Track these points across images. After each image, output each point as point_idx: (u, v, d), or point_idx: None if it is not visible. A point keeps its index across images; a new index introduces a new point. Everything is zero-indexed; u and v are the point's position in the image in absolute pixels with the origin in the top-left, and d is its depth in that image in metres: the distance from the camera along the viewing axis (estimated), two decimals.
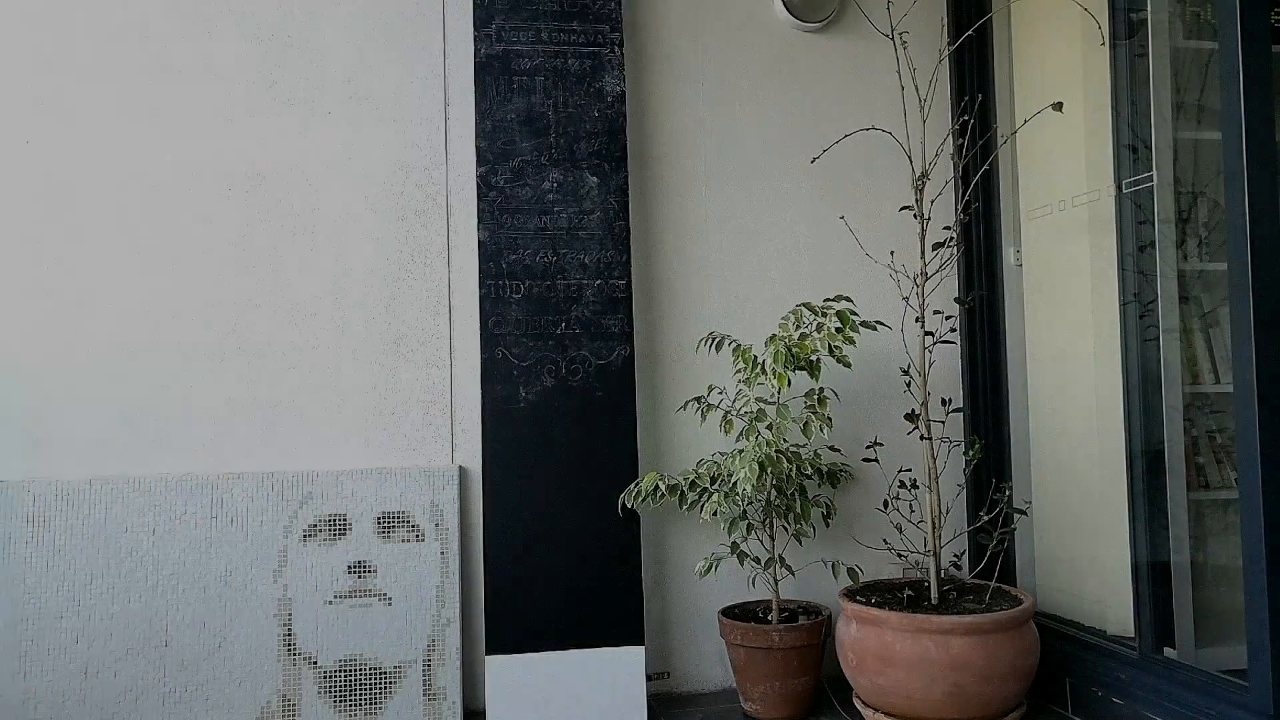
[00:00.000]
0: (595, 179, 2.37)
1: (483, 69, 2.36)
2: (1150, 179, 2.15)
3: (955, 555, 2.40)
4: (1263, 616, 1.69)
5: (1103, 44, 2.09)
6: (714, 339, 2.30)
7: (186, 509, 2.21)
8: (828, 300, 2.22)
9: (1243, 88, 1.72)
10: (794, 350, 2.17)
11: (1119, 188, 2.22)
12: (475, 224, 2.36)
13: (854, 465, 2.41)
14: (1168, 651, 2.04)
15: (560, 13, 2.39)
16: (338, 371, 2.33)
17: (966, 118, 2.28)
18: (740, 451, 2.18)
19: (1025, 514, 2.41)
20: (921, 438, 2.20)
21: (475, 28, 2.36)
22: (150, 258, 2.29)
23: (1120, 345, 2.20)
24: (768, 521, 2.30)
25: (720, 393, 2.33)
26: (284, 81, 2.36)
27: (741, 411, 2.28)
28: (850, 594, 2.20)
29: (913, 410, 2.24)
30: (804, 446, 2.28)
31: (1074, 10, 2.12)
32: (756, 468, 2.09)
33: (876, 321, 2.22)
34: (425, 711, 2.22)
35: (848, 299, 2.22)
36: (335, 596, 2.25)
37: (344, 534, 2.26)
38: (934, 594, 2.14)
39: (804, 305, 2.25)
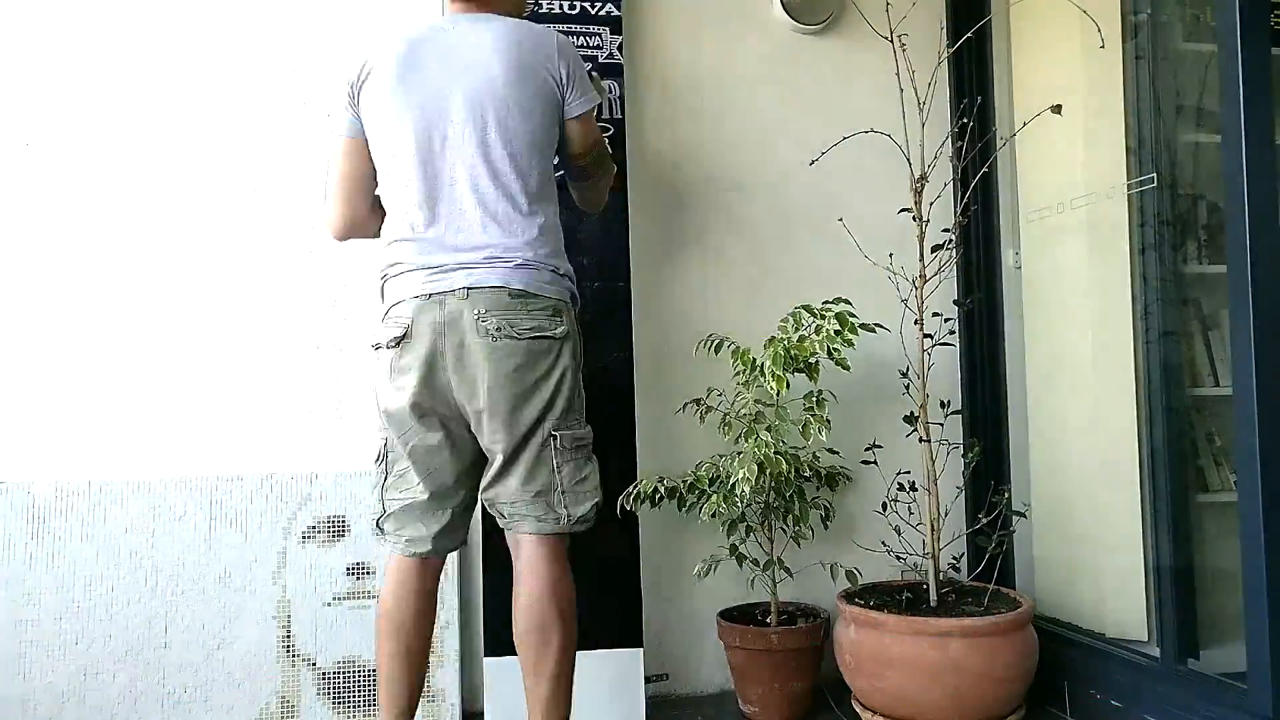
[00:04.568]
0: None
1: None
2: (1150, 181, 2.15)
3: (954, 558, 2.40)
4: (1261, 619, 1.68)
5: (1102, 46, 2.09)
6: (712, 341, 2.30)
7: (186, 510, 2.21)
8: (826, 303, 2.22)
9: (1242, 90, 1.72)
10: (792, 353, 2.17)
11: (1119, 190, 2.22)
12: None
13: (853, 467, 2.41)
14: (1166, 654, 2.04)
15: (559, 15, 2.39)
16: (336, 373, 2.33)
17: (966, 120, 2.28)
18: (739, 453, 2.18)
19: (1024, 516, 2.40)
20: (920, 440, 2.20)
21: None
22: (150, 259, 2.29)
23: (1122, 347, 2.20)
24: (766, 524, 2.29)
25: (719, 395, 2.33)
26: (283, 83, 2.36)
27: (740, 414, 2.27)
28: (849, 596, 2.20)
29: (911, 413, 2.23)
30: (802, 449, 2.27)
31: (1073, 12, 2.11)
32: (755, 468, 2.08)
33: (875, 324, 2.21)
34: (424, 713, 2.22)
35: (846, 301, 2.22)
36: (334, 598, 2.25)
37: (343, 535, 2.26)
38: (933, 596, 2.14)
39: (802, 307, 2.25)
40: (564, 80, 1.78)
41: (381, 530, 1.82)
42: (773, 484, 2.16)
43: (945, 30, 2.50)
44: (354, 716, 2.22)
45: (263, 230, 2.34)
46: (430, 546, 1.78)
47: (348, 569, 2.26)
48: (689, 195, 2.57)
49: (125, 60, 2.30)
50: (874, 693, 2.05)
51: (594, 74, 2.12)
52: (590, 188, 2.01)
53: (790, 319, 2.24)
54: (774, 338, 2.21)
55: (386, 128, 1.74)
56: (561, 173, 1.97)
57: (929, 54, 2.31)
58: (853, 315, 2.18)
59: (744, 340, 2.30)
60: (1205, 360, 2.20)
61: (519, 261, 1.70)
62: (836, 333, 2.15)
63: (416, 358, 1.69)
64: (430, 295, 1.68)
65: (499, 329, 1.66)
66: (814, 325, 2.21)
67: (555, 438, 1.74)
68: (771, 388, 2.16)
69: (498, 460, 1.75)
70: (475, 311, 1.66)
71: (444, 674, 2.24)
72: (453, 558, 2.28)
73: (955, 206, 2.33)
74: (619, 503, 2.24)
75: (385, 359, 1.73)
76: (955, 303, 2.56)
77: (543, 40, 1.78)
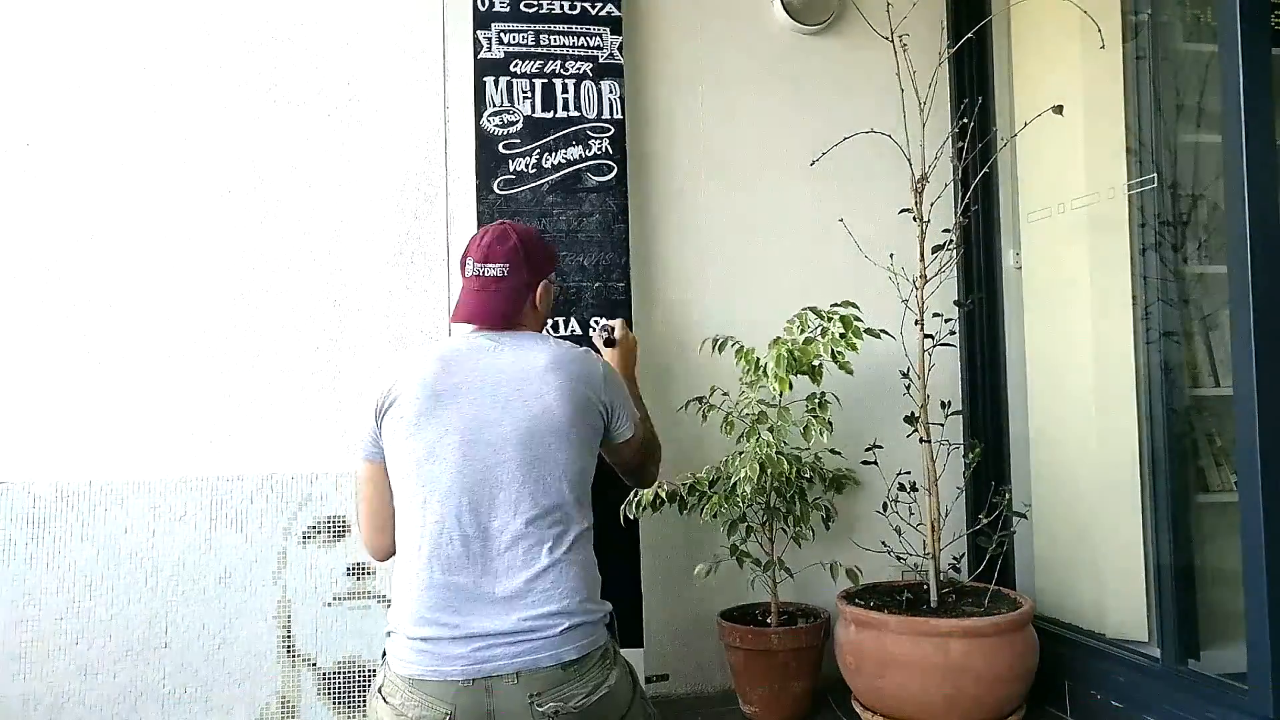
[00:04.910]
0: (594, 181, 2.38)
1: (482, 71, 2.36)
2: (1150, 182, 2.15)
3: (954, 558, 2.40)
4: (1262, 619, 1.69)
5: (1102, 47, 2.09)
6: (716, 341, 2.29)
7: (186, 510, 2.21)
8: (834, 305, 2.22)
9: (1243, 90, 1.72)
10: (796, 355, 2.17)
11: (1119, 190, 2.22)
12: (475, 226, 2.35)
13: (854, 468, 2.41)
14: (1166, 655, 2.04)
15: (560, 16, 2.39)
16: (337, 373, 2.33)
17: (966, 120, 2.28)
18: (741, 453, 2.18)
19: (1025, 517, 2.40)
20: (921, 440, 2.20)
21: (475, 30, 2.37)
22: (150, 259, 2.29)
23: (1122, 347, 2.20)
24: (767, 524, 2.29)
25: (724, 394, 2.33)
26: (283, 84, 2.36)
27: (743, 413, 2.27)
28: (849, 597, 2.20)
29: (912, 413, 2.23)
30: (804, 449, 2.27)
31: (1073, 13, 2.11)
32: (757, 467, 2.09)
33: (881, 330, 2.21)
34: None
35: (854, 305, 2.21)
36: (334, 598, 2.25)
37: (343, 535, 2.26)
38: (933, 597, 2.14)
39: (809, 309, 2.24)
40: (610, 408, 1.66)
41: None
42: (774, 484, 2.16)
43: (946, 30, 2.50)
44: (354, 716, 2.22)
45: (263, 230, 2.34)
46: None
47: (348, 569, 2.26)
48: (688, 195, 2.57)
49: (125, 60, 2.30)
50: (874, 693, 2.05)
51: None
52: (640, 478, 1.89)
53: (797, 320, 2.23)
54: (779, 339, 2.21)
55: (412, 460, 1.55)
56: None
57: (929, 54, 2.31)
58: (859, 320, 2.18)
59: (744, 340, 2.30)
60: (1205, 360, 2.20)
61: (567, 625, 1.50)
62: (841, 336, 2.15)
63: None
64: (474, 681, 1.44)
65: (555, 712, 1.46)
66: (819, 328, 2.20)
67: None
68: (774, 389, 2.16)
69: None
70: (529, 696, 1.45)
71: None
72: None
73: (956, 207, 2.33)
74: (621, 511, 2.24)
75: None
76: (956, 303, 2.56)
77: (591, 367, 1.64)
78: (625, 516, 2.23)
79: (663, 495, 2.21)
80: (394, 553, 1.61)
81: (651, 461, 1.87)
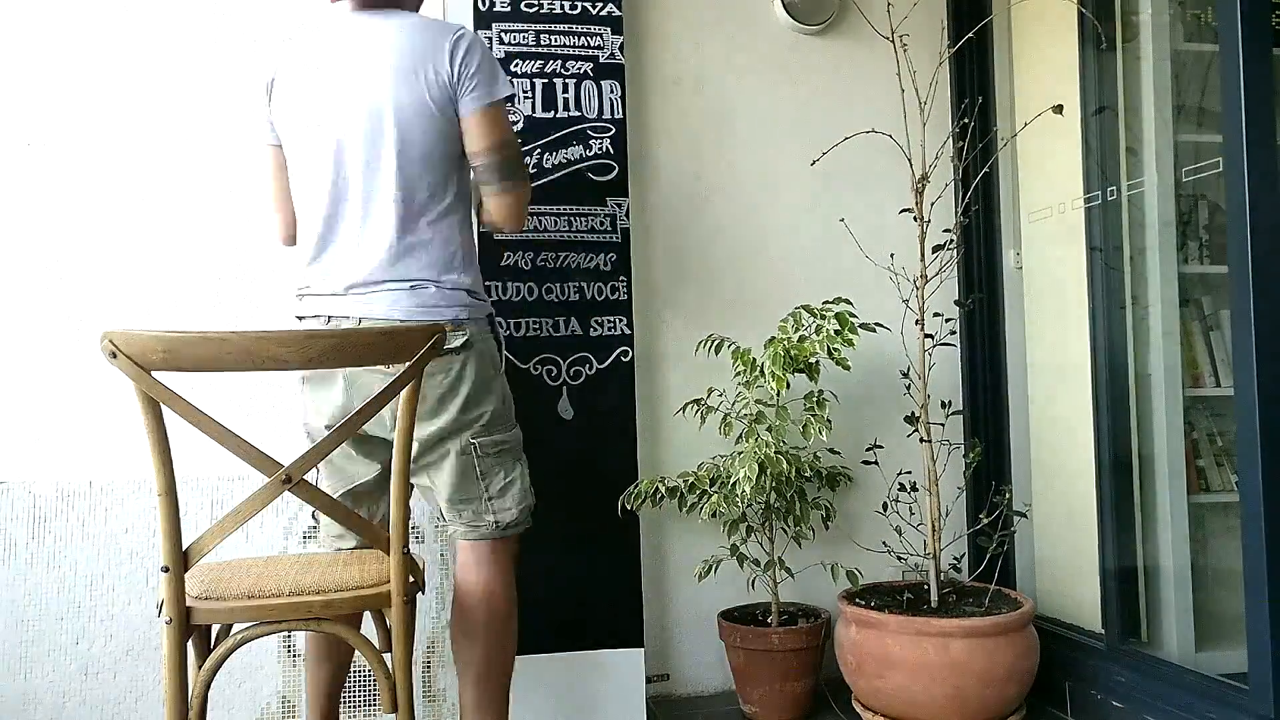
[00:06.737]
0: (595, 181, 2.38)
1: None
2: (1151, 181, 2.15)
3: (955, 558, 2.40)
4: (1263, 619, 1.69)
5: (1103, 47, 2.09)
6: (713, 341, 2.30)
7: (186, 510, 2.21)
8: (826, 303, 2.22)
9: (1243, 90, 1.72)
10: (792, 353, 2.17)
11: (1119, 190, 2.22)
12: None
13: (853, 468, 2.41)
14: (1167, 654, 2.04)
15: (560, 16, 2.39)
16: None
17: (966, 120, 2.28)
18: (740, 453, 2.18)
19: (1025, 516, 2.41)
20: (921, 440, 2.20)
21: (475, 30, 2.37)
22: (151, 259, 2.29)
23: (1121, 347, 2.20)
24: (767, 524, 2.29)
25: (720, 395, 2.33)
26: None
27: (741, 414, 2.28)
28: (850, 597, 2.20)
29: (912, 413, 2.23)
30: (803, 449, 2.28)
31: (1073, 12, 2.12)
32: (756, 467, 2.09)
33: (875, 324, 2.21)
34: (425, 712, 2.22)
35: (847, 301, 2.22)
36: None
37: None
38: (933, 597, 2.14)
39: (802, 308, 2.25)
40: (454, 77, 1.66)
41: None
42: (773, 484, 2.16)
43: (946, 30, 2.50)
44: (354, 716, 2.22)
45: (263, 229, 2.34)
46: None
47: None
48: (689, 195, 2.57)
49: (125, 60, 2.30)
50: (875, 693, 2.05)
51: None
52: (494, 195, 1.77)
53: (790, 319, 2.24)
54: (774, 338, 2.21)
55: (293, 137, 1.73)
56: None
57: (930, 54, 2.31)
58: (853, 315, 2.18)
59: (745, 340, 2.30)
60: (1205, 360, 2.20)
61: (408, 286, 1.67)
62: (836, 333, 2.15)
63: (328, 390, 1.75)
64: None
65: None
66: (814, 325, 2.21)
67: (475, 445, 1.73)
68: (772, 388, 2.16)
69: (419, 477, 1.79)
70: None
71: (445, 674, 2.24)
72: (454, 558, 2.28)
73: (956, 206, 2.34)
74: (620, 502, 2.24)
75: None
76: (956, 303, 2.56)
77: (432, 40, 1.66)
78: (623, 507, 2.23)
79: (662, 489, 2.21)
80: (296, 234, 1.81)
81: (507, 176, 1.75)
